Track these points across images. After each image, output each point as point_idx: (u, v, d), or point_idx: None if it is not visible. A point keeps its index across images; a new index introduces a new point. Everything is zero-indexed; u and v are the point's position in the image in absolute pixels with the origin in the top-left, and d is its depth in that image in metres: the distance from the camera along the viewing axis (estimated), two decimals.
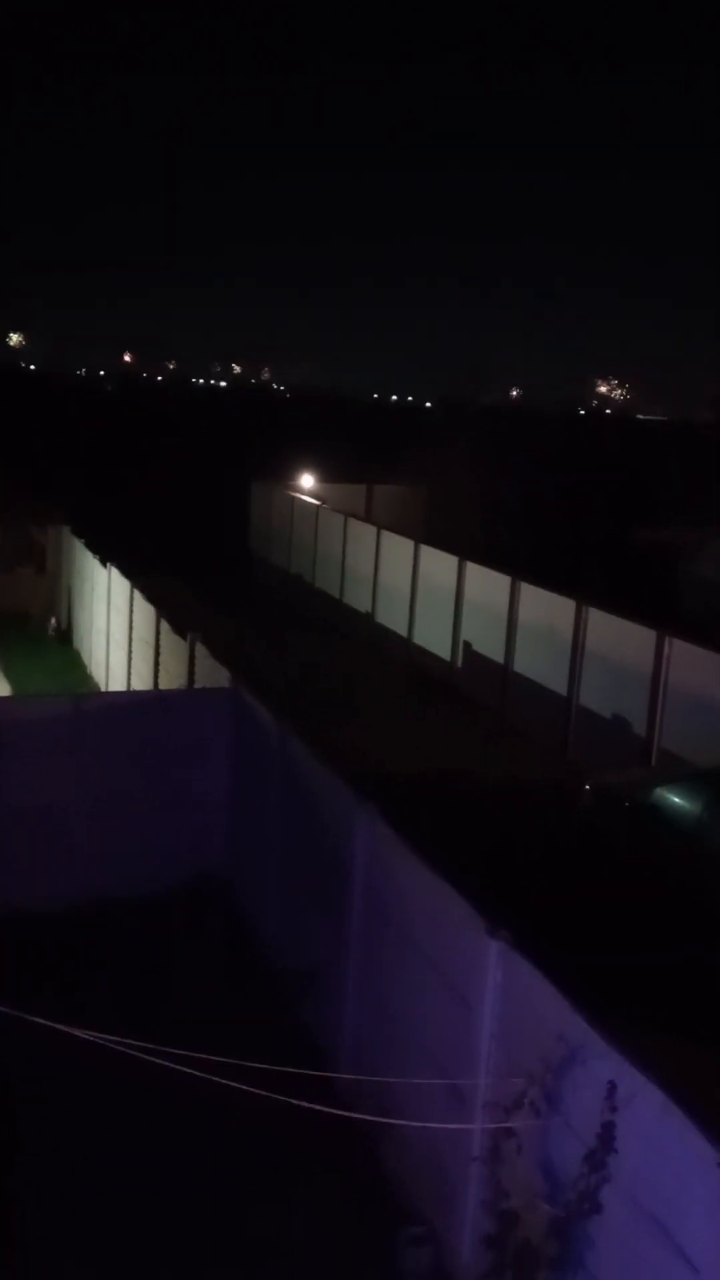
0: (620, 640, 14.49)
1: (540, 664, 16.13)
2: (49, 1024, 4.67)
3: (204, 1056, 5.18)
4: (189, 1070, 5.15)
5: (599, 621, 15.01)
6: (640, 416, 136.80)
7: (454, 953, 6.28)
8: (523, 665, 16.62)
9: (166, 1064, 5.18)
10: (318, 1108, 5.44)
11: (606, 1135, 4.87)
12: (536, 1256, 5.29)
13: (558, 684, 15.61)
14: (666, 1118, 4.53)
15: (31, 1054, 6.47)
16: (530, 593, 16.60)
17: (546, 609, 16.08)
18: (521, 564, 18.17)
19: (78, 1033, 4.59)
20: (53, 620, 20.48)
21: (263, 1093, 5.23)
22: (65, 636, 20.00)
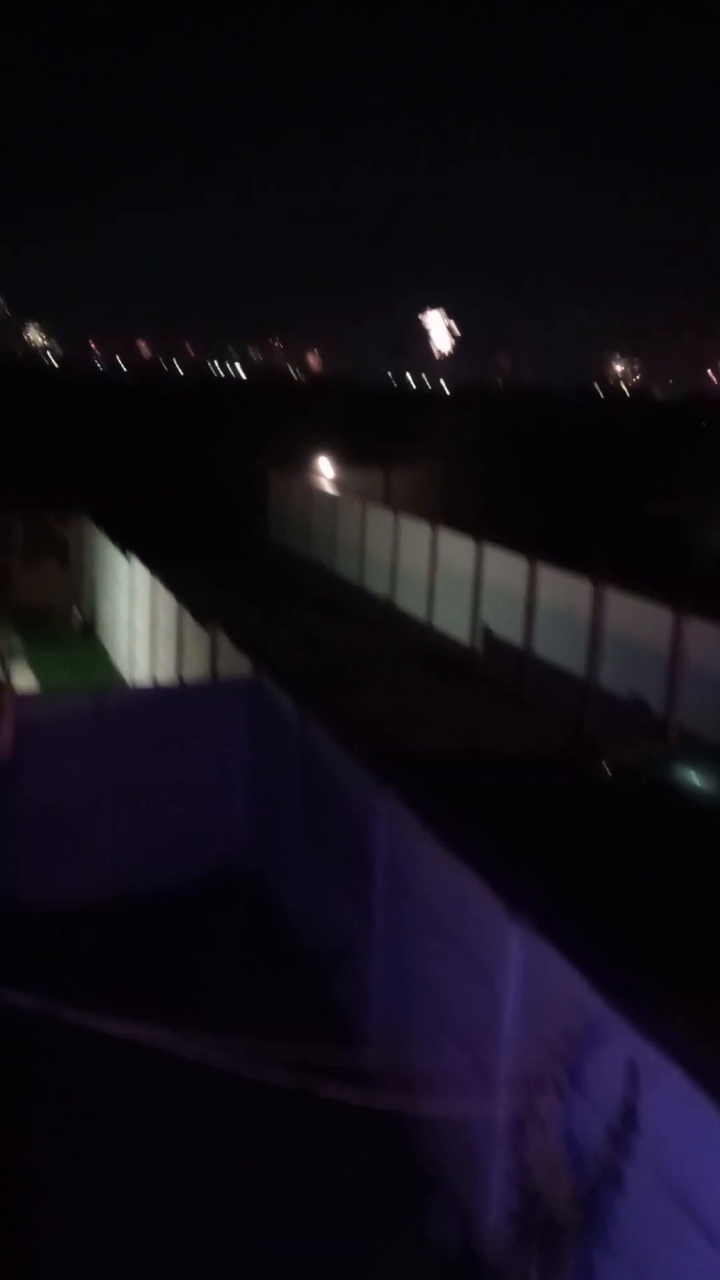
0: (637, 620, 14.51)
1: (558, 645, 16.16)
2: (79, 1018, 4.80)
3: (232, 1043, 5.31)
4: (216, 1061, 5.27)
5: (616, 602, 15.02)
6: (658, 395, 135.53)
7: (477, 934, 6.38)
8: (541, 647, 16.66)
9: (194, 1056, 5.31)
10: (348, 1095, 5.55)
11: (628, 1112, 4.97)
12: (561, 1229, 5.41)
13: (576, 665, 15.65)
14: (686, 1094, 4.62)
15: (62, 1047, 6.62)
16: (548, 575, 16.62)
17: (564, 590, 16.09)
18: (537, 542, 18.17)
19: (107, 1026, 4.72)
20: (76, 613, 20.67)
21: (286, 1078, 5.35)
22: (89, 629, 20.20)
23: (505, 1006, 6.00)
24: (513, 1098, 5.85)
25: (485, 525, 20.30)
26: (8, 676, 14.96)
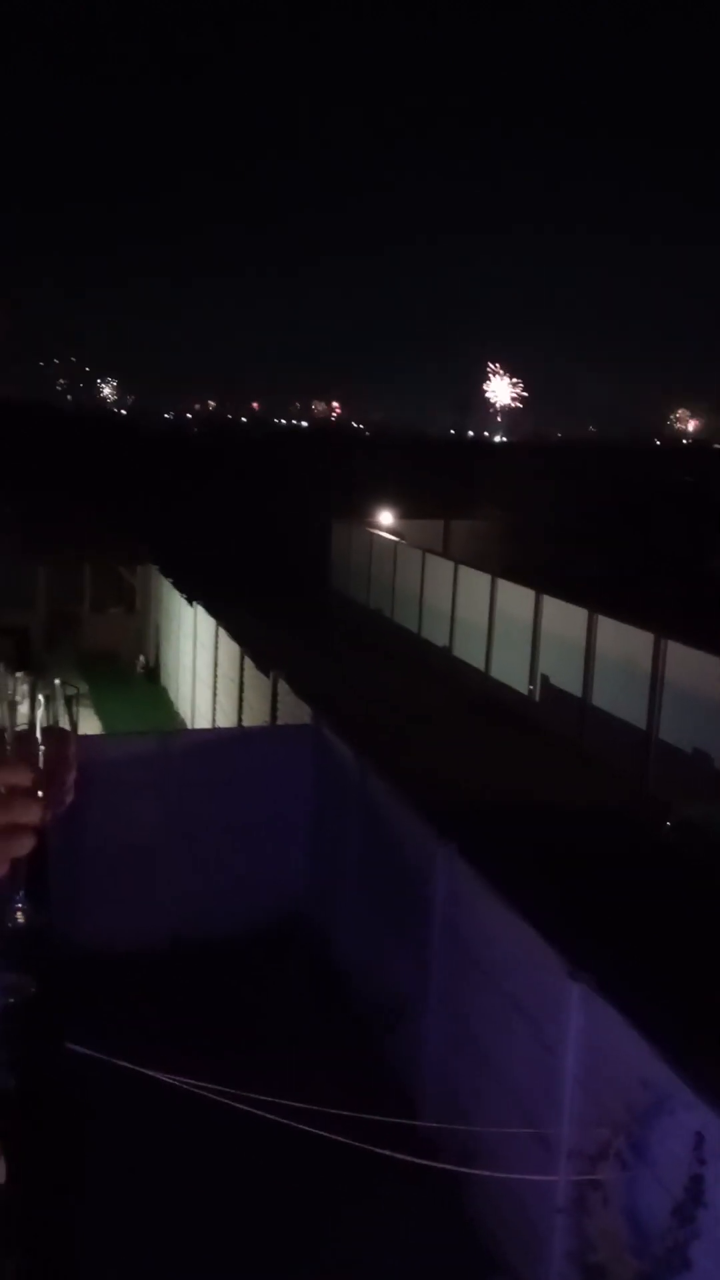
0: (700, 673, 14.27)
1: (619, 697, 15.95)
2: (133, 1068, 4.78)
3: (285, 1103, 5.24)
4: (270, 1116, 5.20)
5: (678, 654, 14.82)
6: (718, 446, 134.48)
7: (536, 994, 6.23)
8: (601, 698, 16.45)
9: (248, 1108, 5.25)
10: (400, 1156, 5.43)
11: (695, 1188, 4.77)
12: None
13: (637, 717, 15.41)
14: None
15: (116, 1094, 6.60)
16: (608, 625, 16.48)
17: (624, 641, 15.93)
18: (597, 593, 18.03)
19: (161, 1076, 4.69)
20: (141, 658, 20.98)
21: (346, 1140, 5.25)
22: (153, 674, 20.46)
23: (565, 1071, 5.84)
24: (574, 1169, 5.67)
25: (545, 576, 20.20)
26: (74, 721, 15.21)
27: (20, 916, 1.05)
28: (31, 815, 1.00)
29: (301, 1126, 5.21)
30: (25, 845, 0.99)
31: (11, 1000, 1.06)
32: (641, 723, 15.30)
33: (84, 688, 18.50)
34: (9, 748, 1.06)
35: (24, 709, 1.12)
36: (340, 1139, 5.27)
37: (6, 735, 1.07)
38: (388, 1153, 5.39)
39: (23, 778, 1.01)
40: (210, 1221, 6.68)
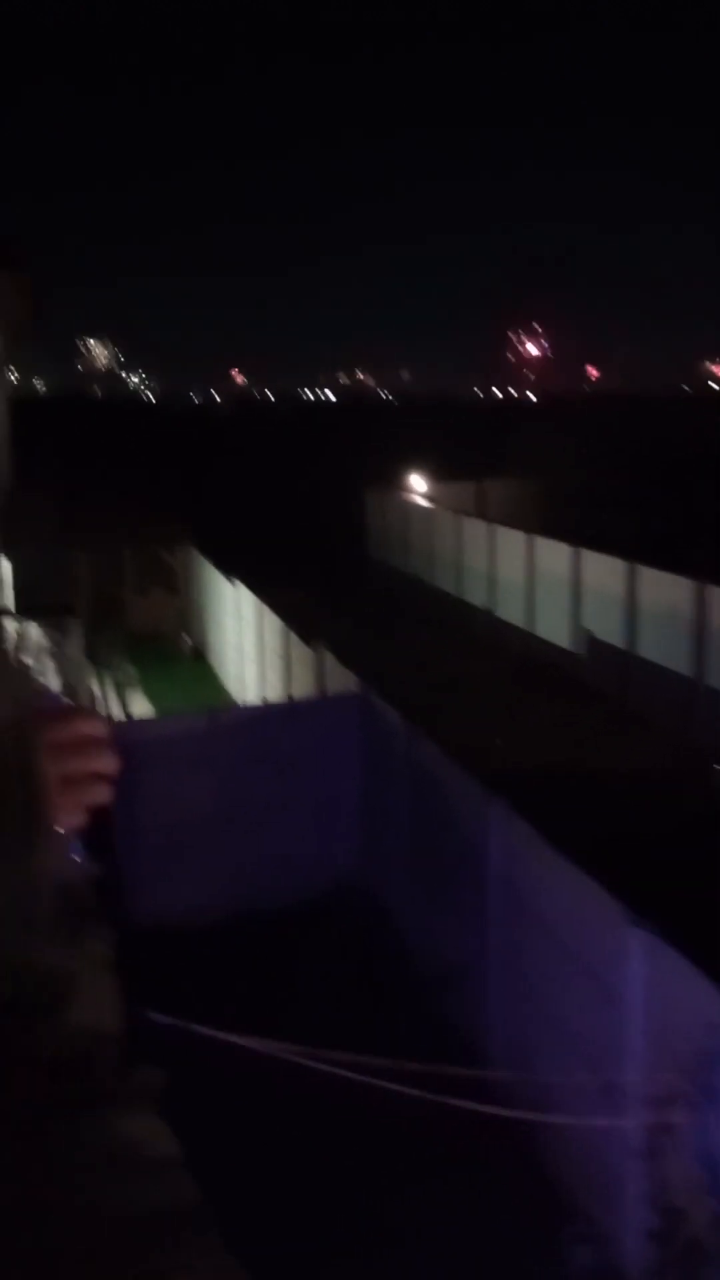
0: None
1: (664, 647, 15.79)
2: (212, 1033, 4.87)
3: (355, 1059, 5.31)
4: (341, 1072, 5.28)
5: None
6: None
7: (597, 945, 6.24)
8: (646, 650, 16.30)
9: (317, 1066, 5.33)
10: (475, 1106, 5.49)
11: None
12: (703, 1252, 5.23)
13: (683, 666, 15.26)
14: None
15: (194, 1062, 6.73)
16: (649, 575, 16.29)
17: (667, 591, 15.74)
18: (636, 545, 17.80)
19: (238, 1040, 4.78)
20: (186, 638, 21.17)
21: (417, 1092, 5.32)
22: (199, 654, 20.65)
23: (630, 1019, 5.85)
24: (644, 1115, 5.70)
25: (581, 532, 19.97)
26: (125, 703, 15.44)
27: (78, 861, 1.07)
28: (110, 764, 1.03)
29: (376, 1082, 5.29)
30: (104, 794, 1.01)
31: (69, 880, 1.05)
32: (688, 670, 15.15)
33: (132, 670, 18.72)
34: (83, 701, 1.09)
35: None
36: (414, 1092, 5.34)
37: (81, 691, 1.09)
38: (461, 1103, 5.46)
39: (99, 727, 1.03)
40: (291, 1177, 6.81)
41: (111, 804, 1.05)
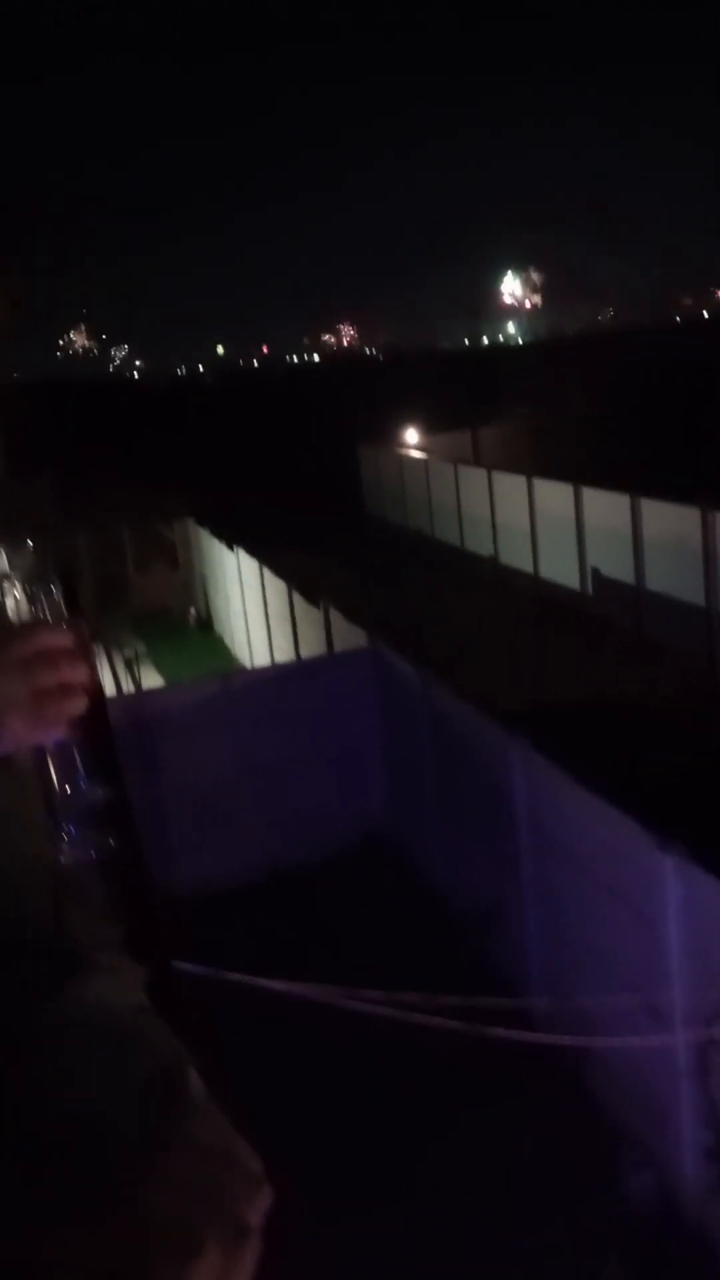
0: None
1: (673, 577, 15.68)
2: (244, 979, 4.89)
3: (390, 996, 5.32)
4: (378, 1009, 5.30)
5: None
6: None
7: (630, 873, 6.23)
8: (655, 582, 16.19)
9: (353, 1005, 5.35)
10: (518, 1035, 5.51)
11: None
12: None
13: (694, 594, 15.16)
14: None
15: (224, 1010, 6.77)
16: (652, 507, 16.14)
17: (671, 521, 15.60)
18: (639, 478, 17.63)
19: (272, 985, 4.80)
20: (191, 610, 21.14)
21: (456, 1024, 5.34)
22: (206, 624, 20.63)
23: (669, 941, 5.85)
24: (690, 1033, 5.71)
25: (581, 471, 19.79)
26: (137, 681, 15.45)
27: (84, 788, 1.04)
28: (80, 673, 0.98)
29: (414, 1017, 5.31)
30: (80, 704, 0.97)
31: (94, 855, 1.04)
32: (700, 599, 15.04)
33: (141, 647, 18.72)
34: (48, 616, 1.05)
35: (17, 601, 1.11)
36: (454, 1024, 5.35)
37: (46, 606, 1.06)
38: (503, 1033, 5.47)
39: (63, 639, 0.99)
40: (338, 1116, 6.87)
41: (108, 731, 1.01)
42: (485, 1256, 5.86)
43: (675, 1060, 5.87)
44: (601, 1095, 6.79)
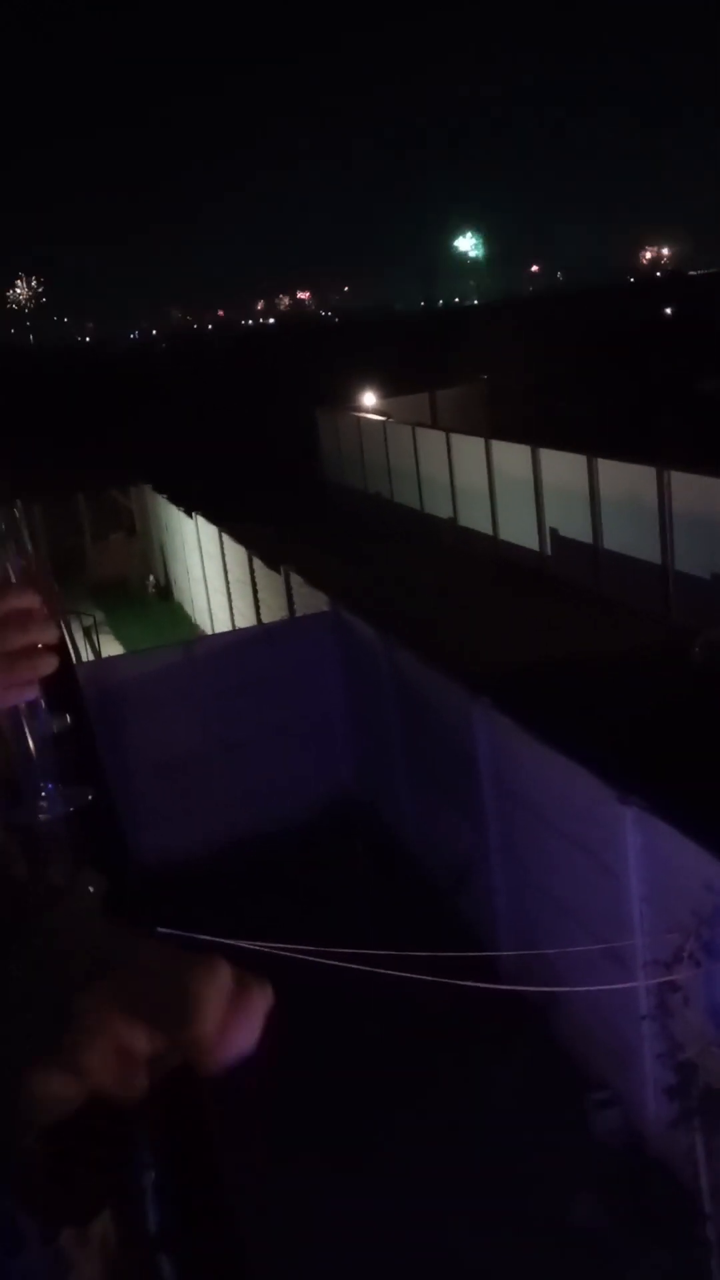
0: (707, 497, 14.13)
1: (630, 536, 15.86)
2: (218, 940, 4.94)
3: (370, 953, 5.42)
4: (349, 965, 5.40)
5: (683, 483, 14.65)
6: (692, 273, 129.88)
7: (591, 824, 6.38)
8: (613, 541, 16.36)
9: (325, 962, 5.44)
10: (486, 985, 5.64)
11: None
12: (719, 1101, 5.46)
13: (651, 553, 15.35)
14: None
15: None
16: (609, 467, 16.27)
17: (628, 480, 15.75)
18: (594, 437, 17.73)
19: (246, 944, 4.86)
20: (151, 578, 20.97)
21: (427, 977, 5.46)
22: (165, 592, 20.49)
23: (630, 889, 6.01)
24: (651, 976, 5.89)
25: (539, 431, 19.86)
26: (96, 649, 15.35)
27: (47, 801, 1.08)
28: (50, 634, 1.01)
29: (385, 971, 5.42)
30: (50, 664, 1.01)
31: (72, 809, 1.09)
32: (657, 558, 15.23)
33: (100, 616, 18.57)
34: (13, 576, 1.08)
35: None
36: (424, 977, 5.48)
37: (12, 568, 1.08)
38: (476, 984, 5.61)
39: (31, 600, 1.02)
40: (316, 1070, 6.99)
41: (77, 690, 1.04)
42: (464, 1193, 6.05)
43: (637, 1004, 6.05)
44: (568, 1040, 6.99)
